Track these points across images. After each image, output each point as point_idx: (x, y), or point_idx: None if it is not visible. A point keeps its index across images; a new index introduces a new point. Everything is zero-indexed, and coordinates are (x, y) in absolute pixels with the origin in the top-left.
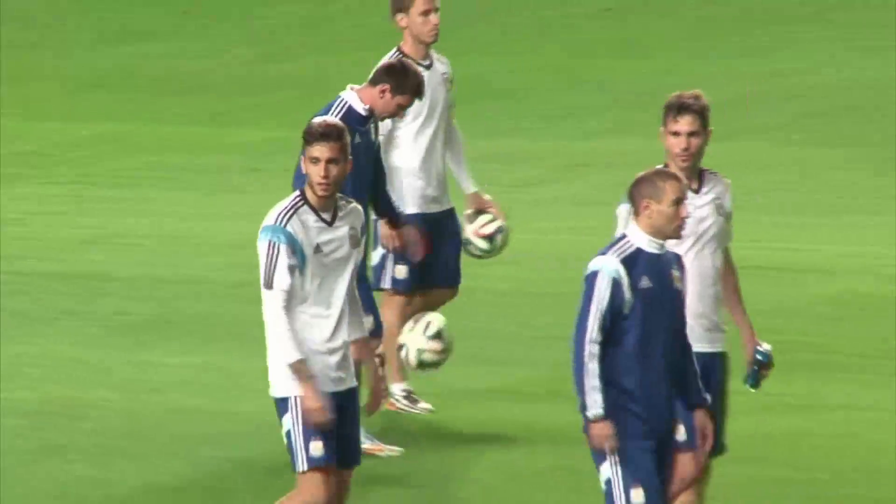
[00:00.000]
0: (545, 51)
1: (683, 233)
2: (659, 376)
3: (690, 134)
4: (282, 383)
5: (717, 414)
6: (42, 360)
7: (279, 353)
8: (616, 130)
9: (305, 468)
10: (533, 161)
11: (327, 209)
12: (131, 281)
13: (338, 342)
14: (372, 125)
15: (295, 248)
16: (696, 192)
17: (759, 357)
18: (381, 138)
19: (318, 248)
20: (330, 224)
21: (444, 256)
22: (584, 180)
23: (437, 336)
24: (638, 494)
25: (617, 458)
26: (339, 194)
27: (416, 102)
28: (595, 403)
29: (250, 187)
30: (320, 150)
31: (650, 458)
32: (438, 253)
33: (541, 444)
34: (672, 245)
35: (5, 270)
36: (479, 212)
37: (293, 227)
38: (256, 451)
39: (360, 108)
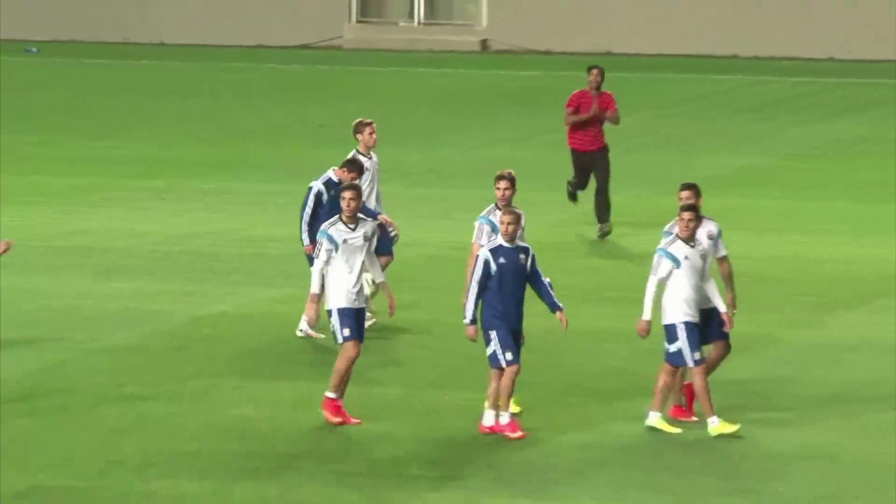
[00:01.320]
0: None
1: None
2: (512, 303)
3: (505, 189)
4: (329, 301)
5: None
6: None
7: (314, 288)
8: None
9: (342, 341)
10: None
11: (352, 222)
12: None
13: (358, 285)
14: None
15: (333, 242)
16: None
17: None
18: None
19: (345, 241)
20: (353, 230)
21: (384, 240)
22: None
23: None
24: (508, 354)
25: (494, 338)
26: (359, 214)
27: (370, 169)
28: (469, 315)
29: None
30: (346, 194)
31: (510, 336)
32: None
33: None
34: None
35: None
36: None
37: (332, 231)
38: (118, 338)
39: (335, 178)
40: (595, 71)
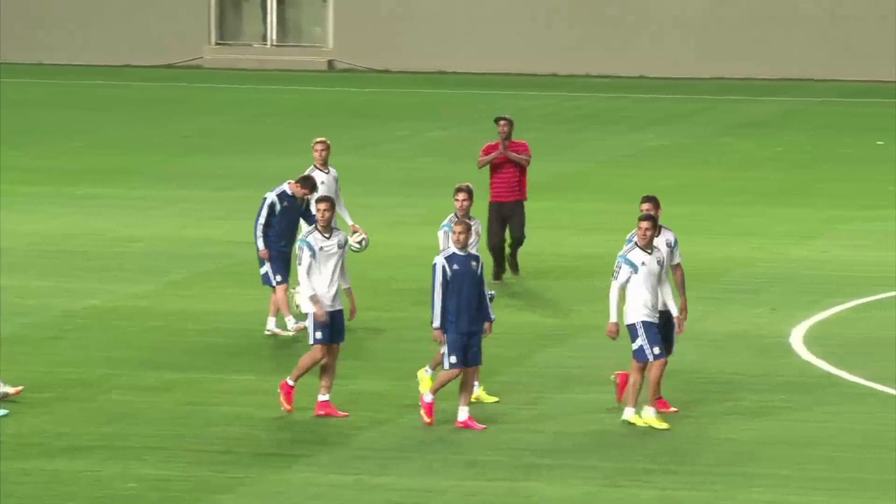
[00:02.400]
0: None
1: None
2: (466, 307)
3: (464, 200)
4: (306, 305)
5: None
6: None
7: (306, 291)
8: None
9: (313, 342)
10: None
11: (327, 231)
12: None
13: (333, 289)
14: (295, 200)
15: (311, 248)
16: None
17: (489, 297)
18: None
19: (321, 249)
20: (328, 238)
21: None
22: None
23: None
24: (454, 358)
25: (445, 341)
26: (332, 225)
27: (325, 182)
28: (437, 320)
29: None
30: (321, 206)
31: (461, 342)
32: None
33: None
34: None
35: None
36: (354, 232)
37: (310, 239)
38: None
39: (289, 191)
40: (503, 122)
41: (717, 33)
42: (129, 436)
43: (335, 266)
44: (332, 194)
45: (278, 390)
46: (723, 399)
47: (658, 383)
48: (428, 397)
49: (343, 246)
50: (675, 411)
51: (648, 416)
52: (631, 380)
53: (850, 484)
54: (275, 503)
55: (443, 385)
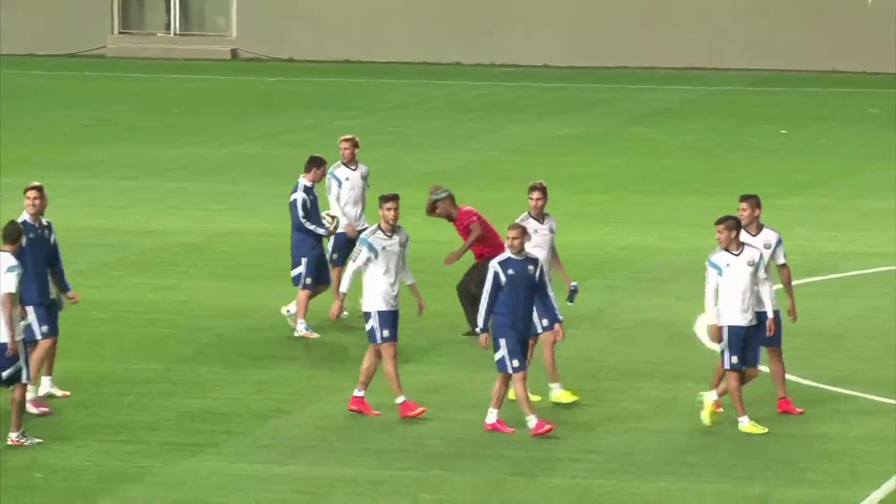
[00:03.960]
0: None
1: (535, 244)
2: (522, 310)
3: (538, 199)
4: (368, 304)
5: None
6: None
7: (345, 286)
8: None
9: (381, 342)
10: None
11: (389, 230)
12: None
13: (396, 288)
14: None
15: (371, 249)
16: (542, 222)
17: (573, 288)
18: (333, 195)
19: (384, 248)
20: (390, 237)
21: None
22: None
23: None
24: (515, 361)
25: (503, 345)
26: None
27: (351, 179)
28: (482, 323)
29: None
30: (390, 204)
31: (518, 345)
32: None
33: None
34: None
35: None
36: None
37: (372, 240)
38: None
39: (309, 184)
40: (431, 207)
41: (622, 22)
42: (35, 426)
43: (397, 264)
44: (358, 192)
45: (353, 409)
46: (630, 387)
47: (720, 383)
48: (492, 418)
49: (405, 244)
50: (801, 412)
51: (747, 426)
52: (730, 387)
53: (756, 471)
54: (181, 492)
55: (503, 395)
